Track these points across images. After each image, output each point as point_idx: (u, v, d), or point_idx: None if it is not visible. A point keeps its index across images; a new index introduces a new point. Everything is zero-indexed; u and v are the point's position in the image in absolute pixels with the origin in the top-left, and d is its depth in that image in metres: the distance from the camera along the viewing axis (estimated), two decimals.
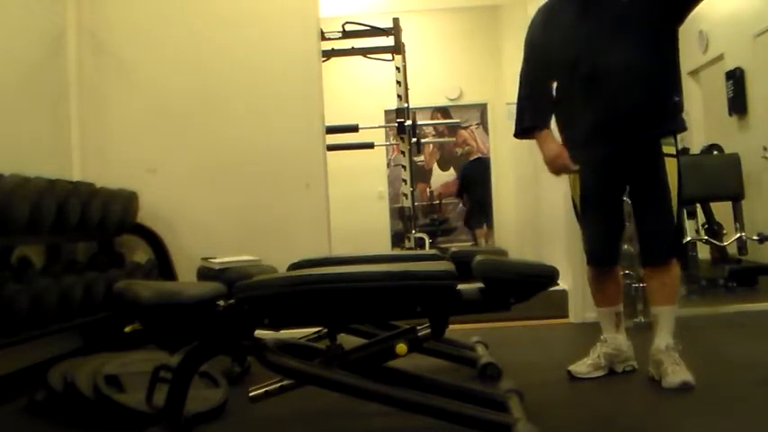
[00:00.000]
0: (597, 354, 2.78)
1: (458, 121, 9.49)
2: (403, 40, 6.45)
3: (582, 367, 2.77)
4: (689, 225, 5.30)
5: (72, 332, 3.56)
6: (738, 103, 6.03)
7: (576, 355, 2.86)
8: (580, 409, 2.47)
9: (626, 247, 3.96)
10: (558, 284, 2.38)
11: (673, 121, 2.70)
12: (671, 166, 2.67)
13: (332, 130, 5.13)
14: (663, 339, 2.62)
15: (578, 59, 2.70)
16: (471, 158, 9.39)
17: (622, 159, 2.69)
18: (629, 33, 2.63)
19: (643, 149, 2.67)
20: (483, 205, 9.08)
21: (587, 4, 2.72)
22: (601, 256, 2.84)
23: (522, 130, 2.82)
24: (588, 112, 2.68)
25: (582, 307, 4.07)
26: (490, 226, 9.06)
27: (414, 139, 6.59)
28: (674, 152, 2.69)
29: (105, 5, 4.29)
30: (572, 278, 4.15)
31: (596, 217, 2.81)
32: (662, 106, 2.66)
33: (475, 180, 9.08)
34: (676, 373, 2.52)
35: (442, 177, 10.07)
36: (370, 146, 7.08)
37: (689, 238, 5.20)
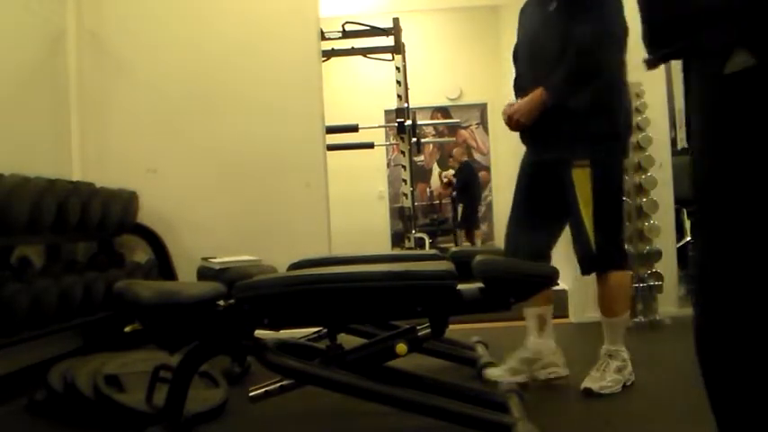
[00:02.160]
0: (517, 358, 2.70)
1: (458, 121, 9.49)
2: (403, 40, 6.44)
3: (498, 371, 2.68)
4: (689, 225, 5.30)
5: (72, 332, 3.56)
6: None
7: (576, 355, 2.86)
8: (580, 409, 2.47)
9: (626, 246, 3.97)
10: (558, 284, 2.38)
11: (583, 148, 2.56)
12: (582, 177, 2.55)
13: (332, 130, 5.13)
14: (604, 346, 2.63)
15: (517, 68, 2.81)
16: (463, 160, 9.43)
17: (539, 172, 2.70)
18: (551, 48, 2.58)
19: (554, 167, 2.63)
20: (477, 207, 9.20)
21: (534, 14, 2.73)
22: (512, 254, 2.75)
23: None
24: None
25: (582, 307, 4.08)
26: (479, 227, 9.19)
27: (414, 139, 6.59)
28: (587, 163, 2.54)
29: (105, 5, 4.29)
30: (572, 278, 4.15)
31: (514, 217, 2.82)
32: (569, 131, 2.56)
33: (472, 182, 9.16)
34: (591, 377, 2.54)
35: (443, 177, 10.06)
36: (370, 146, 7.08)
37: (689, 238, 5.19)
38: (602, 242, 2.55)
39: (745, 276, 0.84)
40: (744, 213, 0.83)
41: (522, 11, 2.88)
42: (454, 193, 9.32)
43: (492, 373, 2.70)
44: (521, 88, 2.77)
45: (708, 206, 0.88)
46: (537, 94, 2.56)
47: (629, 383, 2.58)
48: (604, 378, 2.52)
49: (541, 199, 2.72)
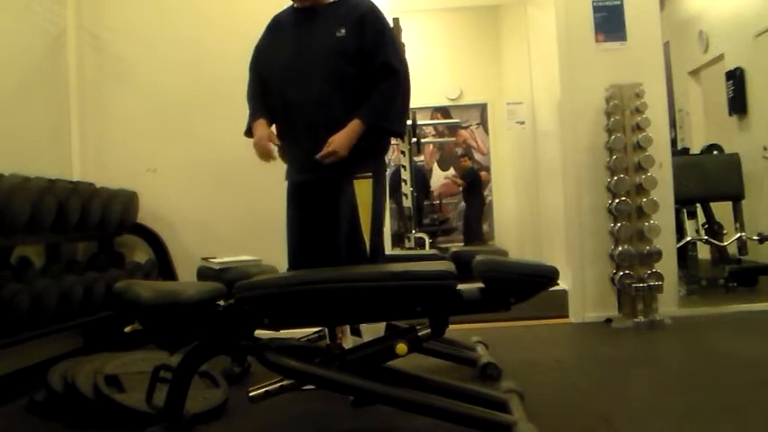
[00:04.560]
0: None
1: (458, 120, 9.50)
2: (403, 40, 6.44)
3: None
4: (689, 225, 5.31)
5: (72, 332, 3.56)
6: (738, 104, 6.03)
7: (576, 354, 2.86)
8: (580, 409, 2.47)
9: (626, 246, 3.97)
10: (558, 284, 2.38)
11: (360, 165, 2.61)
12: (363, 188, 2.61)
13: None
14: None
15: (277, 82, 2.74)
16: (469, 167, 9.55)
17: (309, 189, 2.68)
18: (325, 71, 2.62)
19: (328, 184, 2.63)
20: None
21: (303, 28, 2.72)
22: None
23: (246, 134, 2.88)
24: (286, 138, 2.73)
25: (582, 307, 4.07)
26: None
27: (414, 139, 6.58)
28: (370, 174, 2.62)
29: (105, 5, 4.29)
30: (572, 278, 4.15)
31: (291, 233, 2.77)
32: (362, 149, 2.59)
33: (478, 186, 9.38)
34: None
35: (443, 177, 10.07)
36: None
37: (689, 238, 5.20)
38: (374, 247, 2.65)
39: None
40: None
41: (277, 29, 2.85)
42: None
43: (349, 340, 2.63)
44: (285, 106, 2.69)
45: None
46: (355, 125, 2.56)
47: None
48: None
49: (315, 214, 2.69)
